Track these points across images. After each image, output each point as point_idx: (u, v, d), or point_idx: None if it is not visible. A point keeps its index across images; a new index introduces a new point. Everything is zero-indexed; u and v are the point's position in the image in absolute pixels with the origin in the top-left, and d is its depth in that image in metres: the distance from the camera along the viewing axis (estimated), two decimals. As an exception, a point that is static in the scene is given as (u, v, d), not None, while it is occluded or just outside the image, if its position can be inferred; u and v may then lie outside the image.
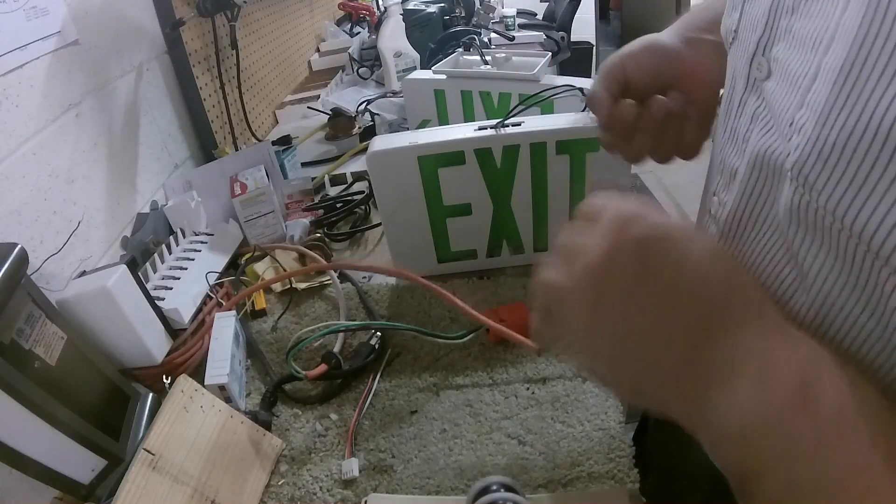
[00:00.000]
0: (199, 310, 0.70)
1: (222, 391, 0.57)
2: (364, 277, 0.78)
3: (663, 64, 0.48)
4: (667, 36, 0.50)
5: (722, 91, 0.47)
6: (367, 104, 1.28)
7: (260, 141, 1.21)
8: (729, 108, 0.36)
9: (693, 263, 0.26)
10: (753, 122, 0.32)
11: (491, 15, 1.74)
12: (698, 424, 0.25)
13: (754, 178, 0.31)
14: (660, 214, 0.27)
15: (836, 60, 0.23)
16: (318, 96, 1.44)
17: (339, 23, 2.05)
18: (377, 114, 1.23)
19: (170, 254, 0.76)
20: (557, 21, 2.89)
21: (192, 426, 0.49)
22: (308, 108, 1.38)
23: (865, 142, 0.21)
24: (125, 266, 0.58)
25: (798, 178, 0.25)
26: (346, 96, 1.44)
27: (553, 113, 0.78)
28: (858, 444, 0.21)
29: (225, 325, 0.64)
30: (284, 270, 0.77)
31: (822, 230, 0.25)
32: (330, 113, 1.25)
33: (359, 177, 1.02)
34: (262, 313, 0.74)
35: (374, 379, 0.61)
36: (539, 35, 1.81)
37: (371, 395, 0.59)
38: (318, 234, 0.87)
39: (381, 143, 0.67)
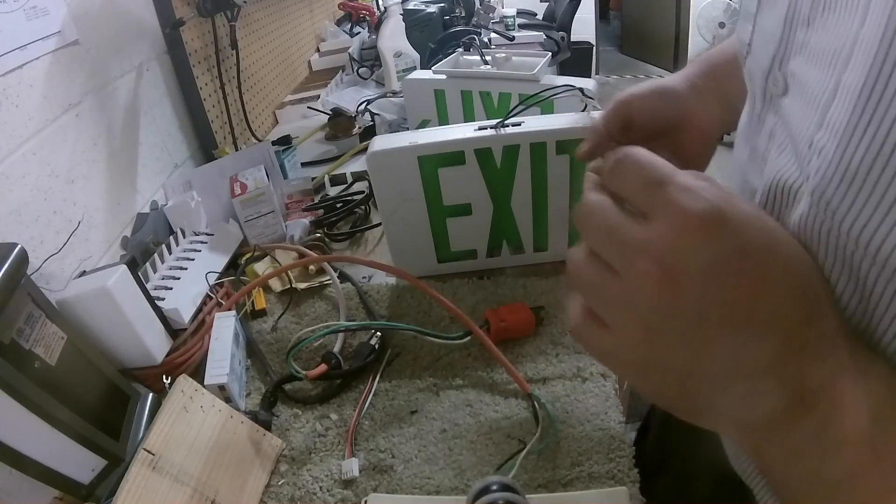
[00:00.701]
0: (199, 310, 0.70)
1: (222, 391, 0.57)
2: (364, 278, 0.78)
3: (667, 109, 0.48)
4: (676, 80, 0.50)
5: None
6: (367, 104, 1.28)
7: (260, 141, 1.21)
8: (749, 123, 0.34)
9: (775, 286, 0.21)
10: (771, 140, 0.30)
11: (491, 15, 1.74)
12: (745, 444, 0.24)
13: (771, 202, 0.29)
14: (738, 204, 0.22)
15: (856, 77, 0.21)
16: (318, 96, 1.44)
17: (339, 23, 2.05)
18: (377, 114, 1.23)
19: (170, 254, 0.76)
20: (557, 21, 2.89)
21: (192, 426, 0.49)
22: (308, 108, 1.38)
23: (893, 165, 0.20)
24: (125, 266, 0.58)
25: (820, 203, 0.23)
26: (346, 96, 1.44)
27: (553, 113, 0.78)
28: None
29: (225, 325, 0.64)
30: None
31: (843, 258, 0.23)
32: (330, 113, 1.25)
33: (359, 177, 1.02)
34: (262, 313, 0.74)
35: (374, 379, 0.61)
36: (539, 35, 1.82)
37: (371, 395, 0.59)
38: (318, 234, 0.87)
39: (381, 143, 0.67)
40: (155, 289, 0.69)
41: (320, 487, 0.51)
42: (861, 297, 0.24)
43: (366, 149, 0.70)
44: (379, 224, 0.88)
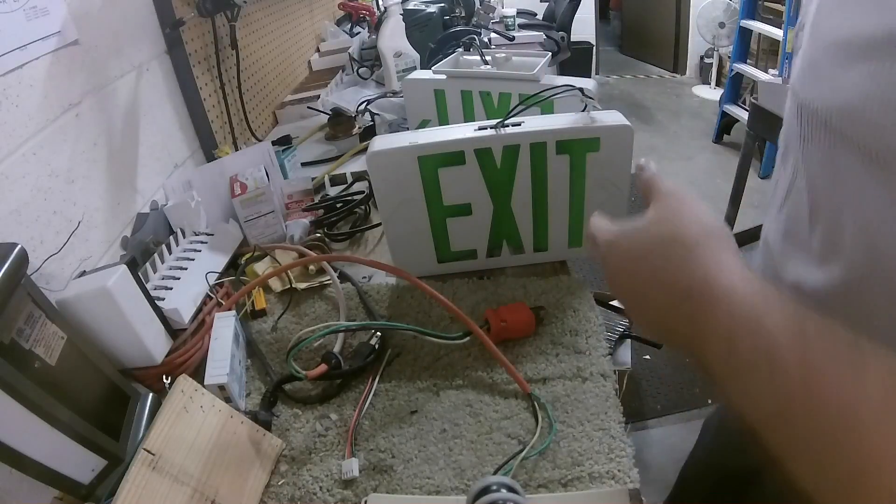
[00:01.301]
0: (199, 310, 0.70)
1: (222, 391, 0.57)
2: (364, 277, 0.78)
3: None
4: None
5: None
6: (367, 104, 1.28)
7: (260, 141, 1.21)
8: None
9: (664, 273, 0.32)
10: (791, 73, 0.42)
11: (491, 15, 1.74)
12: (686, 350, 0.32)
13: (789, 109, 0.41)
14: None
15: (813, 11, 0.36)
16: (318, 96, 1.44)
17: (339, 23, 2.05)
18: (377, 114, 1.23)
19: (170, 254, 0.76)
20: (557, 21, 2.89)
21: (192, 426, 0.49)
22: (308, 108, 1.38)
23: (816, 60, 0.34)
24: (125, 266, 0.58)
25: (792, 91, 0.38)
26: (346, 96, 1.44)
27: (553, 113, 0.78)
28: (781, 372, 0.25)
29: (225, 325, 0.64)
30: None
31: (805, 127, 0.36)
32: (330, 113, 1.25)
33: (359, 177, 1.02)
34: (262, 313, 0.74)
35: (374, 379, 0.61)
36: (539, 35, 1.82)
37: (371, 395, 0.59)
38: (318, 234, 0.87)
39: (381, 143, 0.67)
40: (155, 289, 0.69)
41: (320, 487, 0.51)
42: (818, 149, 0.36)
43: (366, 149, 0.70)
44: (379, 224, 0.88)
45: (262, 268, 0.80)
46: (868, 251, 0.32)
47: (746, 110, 2.80)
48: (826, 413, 0.23)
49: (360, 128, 1.22)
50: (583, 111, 0.67)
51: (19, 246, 0.47)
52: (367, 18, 1.99)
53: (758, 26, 2.83)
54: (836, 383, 0.23)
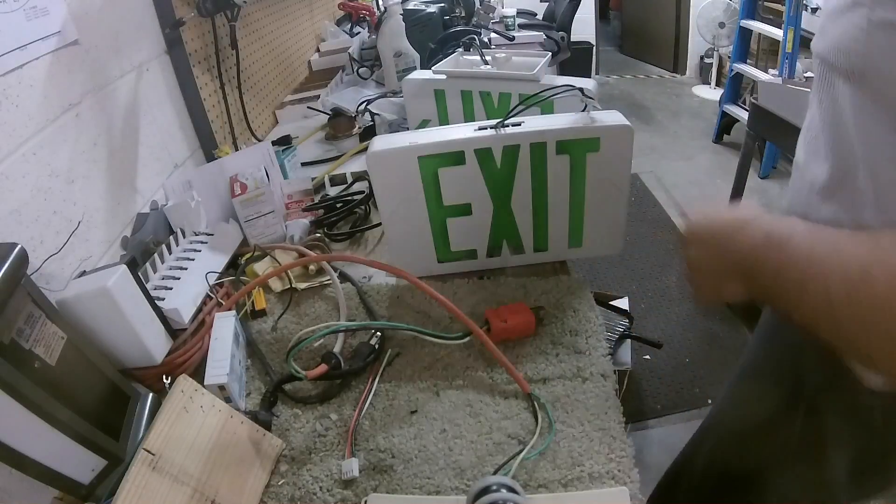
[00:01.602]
0: (199, 310, 0.70)
1: (222, 391, 0.57)
2: (364, 277, 0.78)
3: None
4: None
5: None
6: (367, 104, 1.28)
7: (260, 141, 1.21)
8: None
9: (735, 253, 0.46)
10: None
11: (491, 15, 1.74)
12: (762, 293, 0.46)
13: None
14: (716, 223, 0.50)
15: None
16: (318, 96, 1.44)
17: (339, 23, 2.05)
18: (377, 114, 1.23)
19: (170, 254, 0.76)
20: (557, 21, 2.89)
21: (192, 426, 0.49)
22: (308, 108, 1.38)
23: (825, 22, 0.45)
24: (125, 266, 0.58)
25: (813, 49, 0.48)
26: (346, 96, 1.44)
27: (553, 113, 0.78)
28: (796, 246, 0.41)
29: (225, 325, 0.64)
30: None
31: (820, 68, 0.47)
32: (330, 113, 1.25)
33: (359, 177, 1.02)
34: (262, 313, 0.74)
35: (373, 379, 0.61)
36: (539, 35, 1.82)
37: (371, 395, 0.59)
38: (318, 234, 0.87)
39: (381, 143, 0.67)
40: (155, 289, 0.69)
41: (320, 487, 0.51)
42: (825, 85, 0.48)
43: (366, 149, 0.70)
44: (379, 224, 0.88)
45: (262, 268, 0.80)
46: (850, 147, 0.44)
47: (746, 110, 2.80)
48: (823, 257, 0.38)
49: (360, 128, 1.22)
50: (583, 111, 0.67)
51: (19, 246, 0.47)
52: (367, 18, 1.99)
53: (758, 26, 2.83)
54: (825, 241, 0.39)
